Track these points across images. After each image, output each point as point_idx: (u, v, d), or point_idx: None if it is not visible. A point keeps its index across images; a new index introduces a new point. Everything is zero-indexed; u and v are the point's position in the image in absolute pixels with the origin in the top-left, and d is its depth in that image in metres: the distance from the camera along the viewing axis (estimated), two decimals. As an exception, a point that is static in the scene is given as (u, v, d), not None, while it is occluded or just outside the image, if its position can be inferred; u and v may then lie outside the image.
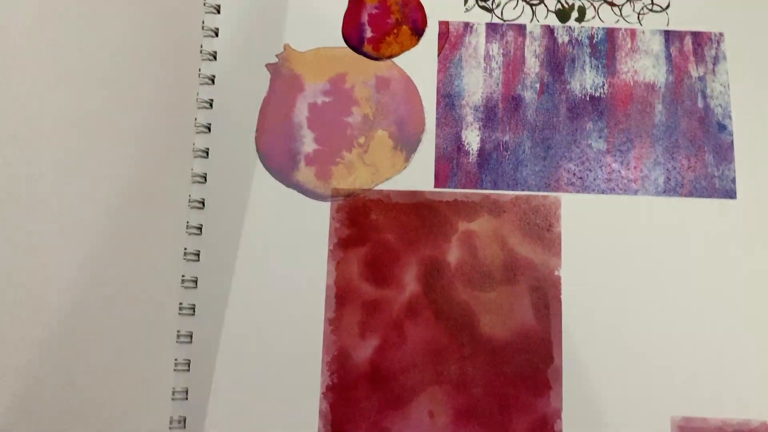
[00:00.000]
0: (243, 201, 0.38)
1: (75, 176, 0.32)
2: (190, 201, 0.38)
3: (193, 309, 0.37)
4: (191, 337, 0.37)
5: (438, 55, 0.40)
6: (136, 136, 0.35)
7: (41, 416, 0.31)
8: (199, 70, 0.39)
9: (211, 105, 0.40)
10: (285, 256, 0.37)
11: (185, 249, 0.37)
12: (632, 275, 0.37)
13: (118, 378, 0.33)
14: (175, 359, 0.36)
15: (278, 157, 0.39)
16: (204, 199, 0.39)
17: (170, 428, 0.36)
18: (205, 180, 0.39)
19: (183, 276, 0.37)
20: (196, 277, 0.37)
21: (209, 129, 0.39)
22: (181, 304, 0.37)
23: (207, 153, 0.39)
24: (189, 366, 0.36)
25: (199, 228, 0.38)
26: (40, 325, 0.31)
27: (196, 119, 0.39)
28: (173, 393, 0.36)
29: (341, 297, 0.37)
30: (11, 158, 0.30)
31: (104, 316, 0.33)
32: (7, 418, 0.29)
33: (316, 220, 0.38)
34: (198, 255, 0.38)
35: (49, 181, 0.31)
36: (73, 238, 0.32)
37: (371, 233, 0.38)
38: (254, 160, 0.39)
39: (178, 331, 0.37)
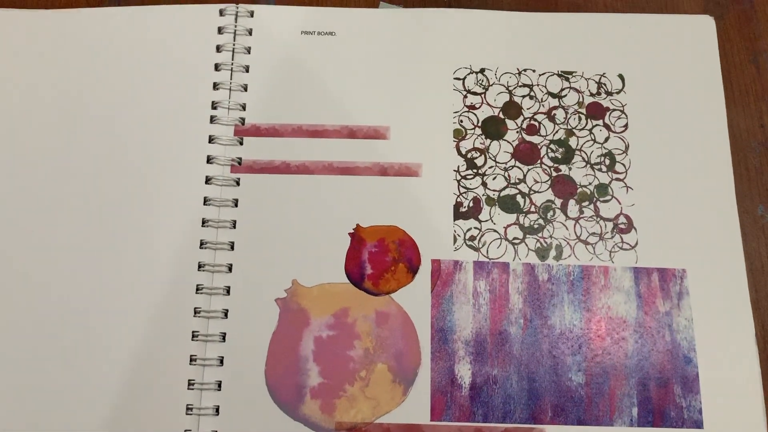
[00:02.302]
0: (253, 433, 0.42)
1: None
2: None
3: None
4: None
5: (431, 291, 0.44)
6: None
7: None
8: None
9: (224, 339, 0.43)
10: (292, 491, 0.40)
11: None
12: (613, 504, 0.41)
13: None
14: None
15: (286, 390, 0.42)
16: (216, 431, 0.42)
17: None
18: (218, 412, 0.42)
19: None
20: None
21: (222, 362, 0.43)
22: None
23: (220, 386, 0.42)
24: None
25: (212, 459, 0.41)
26: None
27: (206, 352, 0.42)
28: None
29: None
30: None
31: None
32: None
33: (322, 454, 0.41)
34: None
35: None
36: None
37: (373, 467, 0.41)
38: (263, 393, 0.42)
39: None
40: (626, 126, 0.48)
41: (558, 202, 0.46)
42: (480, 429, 0.42)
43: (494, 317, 0.44)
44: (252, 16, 0.49)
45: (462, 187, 0.46)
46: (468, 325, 0.44)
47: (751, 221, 0.47)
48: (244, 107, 0.48)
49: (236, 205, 0.46)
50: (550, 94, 0.49)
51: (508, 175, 0.47)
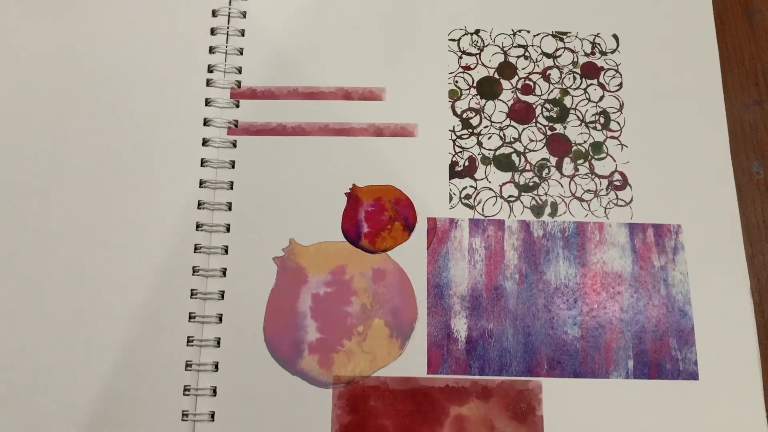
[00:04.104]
0: (251, 388, 0.42)
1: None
2: (199, 389, 0.42)
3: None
4: None
5: (427, 249, 0.45)
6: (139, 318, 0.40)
7: None
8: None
9: (222, 296, 0.44)
10: (291, 443, 0.41)
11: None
12: (609, 454, 0.41)
13: None
14: None
15: (284, 345, 0.43)
16: (215, 387, 0.42)
17: None
18: (217, 369, 0.42)
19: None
20: (209, 464, 0.41)
21: (221, 319, 0.43)
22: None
23: (219, 342, 0.43)
24: None
25: (212, 415, 0.42)
26: None
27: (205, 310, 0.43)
28: None
29: (344, 484, 0.40)
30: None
31: None
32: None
33: (320, 408, 0.42)
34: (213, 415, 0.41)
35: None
36: None
37: (370, 420, 0.41)
38: (262, 348, 0.43)
39: None
40: (620, 85, 0.48)
41: (553, 160, 0.47)
42: (476, 382, 0.42)
43: (489, 273, 0.44)
44: (247, -20, 0.50)
45: (457, 146, 0.47)
46: (464, 280, 0.44)
47: (746, 178, 0.47)
48: (240, 71, 0.48)
49: (233, 167, 0.46)
50: (544, 54, 0.49)
51: (503, 135, 0.47)
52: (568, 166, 0.46)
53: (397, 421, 0.41)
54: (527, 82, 0.48)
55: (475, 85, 0.48)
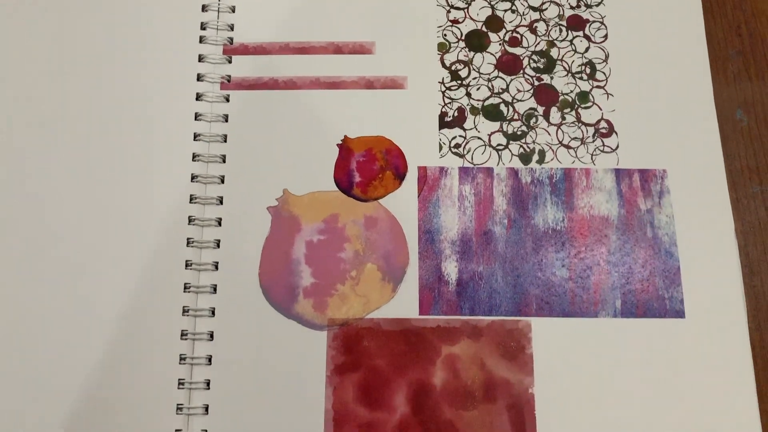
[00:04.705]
0: (248, 332, 0.43)
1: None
2: (196, 334, 0.43)
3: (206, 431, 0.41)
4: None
5: (418, 196, 0.46)
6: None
7: None
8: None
9: (218, 245, 0.45)
10: (287, 383, 0.42)
11: (196, 379, 0.42)
12: (597, 388, 0.42)
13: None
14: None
15: (279, 291, 0.44)
16: (212, 332, 0.43)
17: None
18: (214, 314, 0.43)
19: (196, 404, 0.41)
20: (207, 404, 0.42)
21: (217, 267, 0.44)
22: (193, 429, 0.41)
23: (215, 289, 0.44)
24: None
25: (209, 358, 0.43)
26: None
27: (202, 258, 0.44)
28: None
29: (338, 420, 0.41)
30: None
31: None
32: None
33: (315, 349, 0.43)
34: (208, 384, 0.42)
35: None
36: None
37: (364, 359, 0.42)
38: (258, 294, 0.44)
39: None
40: (606, 36, 0.49)
41: (540, 109, 0.48)
42: (467, 322, 0.43)
43: (479, 218, 0.45)
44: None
45: (447, 97, 0.48)
46: (454, 226, 0.45)
47: (730, 125, 0.48)
48: (232, 28, 0.49)
49: (226, 121, 0.47)
50: (531, 8, 0.50)
51: (492, 86, 0.48)
52: (555, 115, 0.47)
53: (391, 360, 0.42)
54: (514, 34, 0.49)
55: (463, 38, 0.49)
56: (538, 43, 0.49)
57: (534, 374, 0.42)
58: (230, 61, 0.48)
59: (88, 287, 0.43)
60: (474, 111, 0.47)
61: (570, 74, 0.48)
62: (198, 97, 0.47)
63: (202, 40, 0.48)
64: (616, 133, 0.47)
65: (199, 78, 0.47)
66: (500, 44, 0.49)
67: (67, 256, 0.44)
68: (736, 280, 0.44)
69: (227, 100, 0.47)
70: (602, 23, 0.49)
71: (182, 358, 0.42)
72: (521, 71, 0.48)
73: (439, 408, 0.41)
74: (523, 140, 0.47)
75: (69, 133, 0.46)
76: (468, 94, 0.48)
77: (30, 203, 0.45)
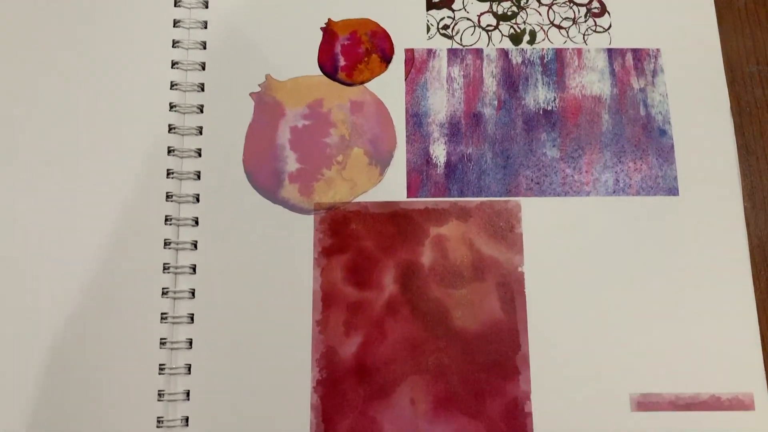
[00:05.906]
0: (234, 218, 0.42)
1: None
2: (181, 219, 0.42)
3: (192, 317, 0.41)
4: (191, 343, 0.40)
5: (405, 79, 0.44)
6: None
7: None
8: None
9: (200, 132, 0.44)
10: (274, 266, 0.41)
11: (182, 263, 0.41)
12: (588, 268, 0.41)
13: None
14: (177, 364, 0.40)
15: (264, 176, 0.43)
16: (197, 218, 0.42)
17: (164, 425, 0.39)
18: (198, 200, 0.43)
19: (183, 288, 0.41)
20: (194, 289, 0.41)
21: (200, 154, 0.43)
22: (180, 313, 0.41)
23: (199, 176, 0.43)
24: (189, 369, 0.40)
25: (195, 244, 0.42)
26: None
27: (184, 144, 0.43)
28: (170, 394, 0.39)
29: (327, 300, 0.41)
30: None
31: (93, 328, 0.38)
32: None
33: (302, 232, 0.42)
34: (194, 269, 0.41)
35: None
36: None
37: (352, 241, 0.42)
38: (243, 180, 0.43)
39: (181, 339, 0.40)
40: None
41: (531, -11, 0.46)
42: (455, 203, 0.42)
43: (468, 100, 0.44)
44: None
45: (433, -21, 0.46)
46: (442, 108, 0.44)
47: (725, 3, 0.47)
48: None
49: (206, 6, 0.46)
50: None
51: (480, -34, 0.46)
52: (546, -6, 0.46)
53: (379, 242, 0.42)
54: None
55: None
56: None
57: (524, 253, 0.41)
58: (208, -55, 0.46)
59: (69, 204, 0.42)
60: (462, -8, 0.46)
61: (562, -47, 0.46)
62: (176, -17, 0.45)
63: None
64: (609, 13, 0.45)
65: (177, -38, 0.46)
66: (489, -77, 0.47)
67: (47, 186, 0.42)
68: (731, 157, 0.43)
69: (206, -15, 0.46)
70: None
71: (167, 243, 0.42)
72: (511, -50, 0.46)
73: (427, 287, 0.41)
74: (513, 21, 0.45)
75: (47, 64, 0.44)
76: (456, -25, 0.46)
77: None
